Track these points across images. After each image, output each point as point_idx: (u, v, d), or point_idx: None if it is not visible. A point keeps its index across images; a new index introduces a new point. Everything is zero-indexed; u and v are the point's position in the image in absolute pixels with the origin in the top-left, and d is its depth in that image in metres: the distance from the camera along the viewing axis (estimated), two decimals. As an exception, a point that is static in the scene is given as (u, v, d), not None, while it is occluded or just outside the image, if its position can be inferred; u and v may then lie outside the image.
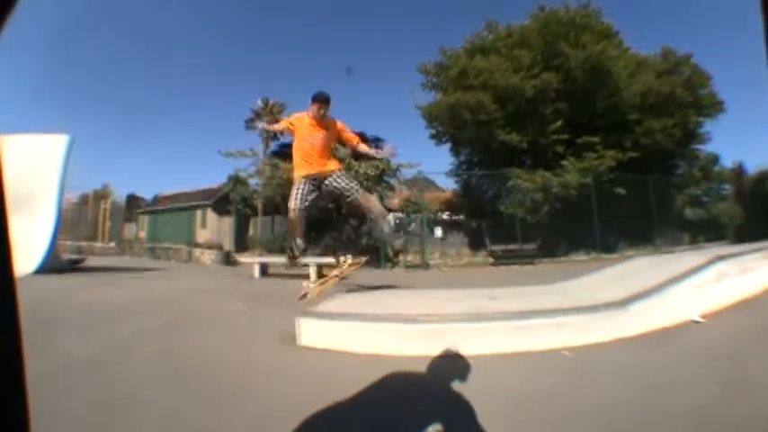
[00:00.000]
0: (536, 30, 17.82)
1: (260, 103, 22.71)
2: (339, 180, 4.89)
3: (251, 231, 22.01)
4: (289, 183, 16.99)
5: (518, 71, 16.54)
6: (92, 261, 13.01)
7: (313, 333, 3.50)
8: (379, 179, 16.17)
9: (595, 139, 16.79)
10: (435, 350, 3.01)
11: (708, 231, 21.41)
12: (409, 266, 14.82)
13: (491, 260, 15.58)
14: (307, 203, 4.81)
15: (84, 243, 21.15)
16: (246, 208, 21.53)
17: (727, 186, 23.73)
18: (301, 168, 4.85)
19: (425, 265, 15.03)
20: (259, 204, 20.51)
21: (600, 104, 17.52)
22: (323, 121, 4.87)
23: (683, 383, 2.49)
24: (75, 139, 10.46)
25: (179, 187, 28.23)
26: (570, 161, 16.32)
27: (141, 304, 5.52)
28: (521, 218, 15.93)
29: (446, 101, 16.88)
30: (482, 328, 3.30)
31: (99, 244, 22.39)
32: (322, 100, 4.79)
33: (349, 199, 4.90)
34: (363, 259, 7.44)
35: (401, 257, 16.78)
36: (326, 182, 4.86)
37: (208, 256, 18.22)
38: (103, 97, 47.28)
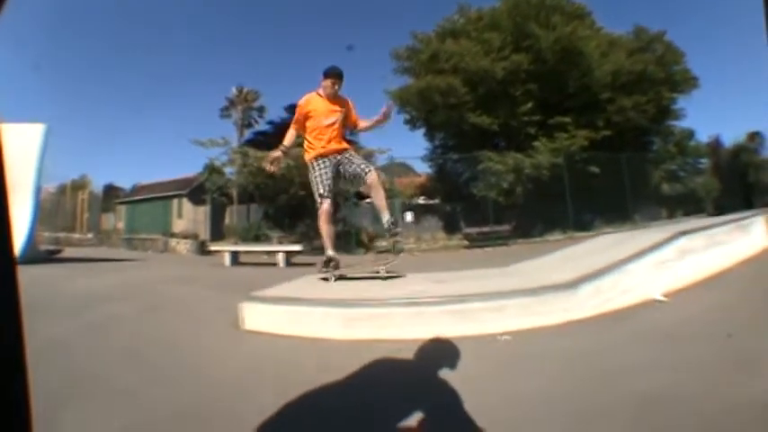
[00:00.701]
0: (506, 12, 17.68)
1: (234, 91, 22.38)
2: (353, 161, 4.40)
3: (227, 220, 21.85)
4: (260, 172, 16.92)
5: (488, 54, 16.42)
6: (69, 252, 12.89)
7: (256, 317, 3.52)
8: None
9: (567, 120, 16.83)
10: (373, 334, 3.09)
11: (686, 205, 21.68)
12: (380, 251, 14.82)
13: (465, 243, 15.61)
14: (331, 188, 4.26)
15: (62, 234, 20.87)
16: (222, 197, 21.35)
17: (703, 160, 23.98)
18: (311, 149, 4.34)
19: (397, 250, 15.02)
20: (234, 193, 20.34)
21: (572, 85, 17.53)
22: (336, 99, 4.44)
23: (635, 367, 2.31)
24: (52, 128, 10.44)
25: (160, 176, 27.96)
26: (542, 142, 16.35)
27: (112, 293, 5.52)
28: (494, 200, 15.96)
29: (417, 85, 16.75)
30: (419, 312, 3.18)
31: (77, 235, 22.12)
32: (335, 75, 4.40)
33: (362, 182, 4.36)
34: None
35: (376, 243, 16.87)
36: (340, 164, 4.34)
37: (183, 246, 18.08)
38: (83, 87, 46.30)
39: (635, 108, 18.30)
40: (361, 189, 4.61)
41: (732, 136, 28.09)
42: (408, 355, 2.56)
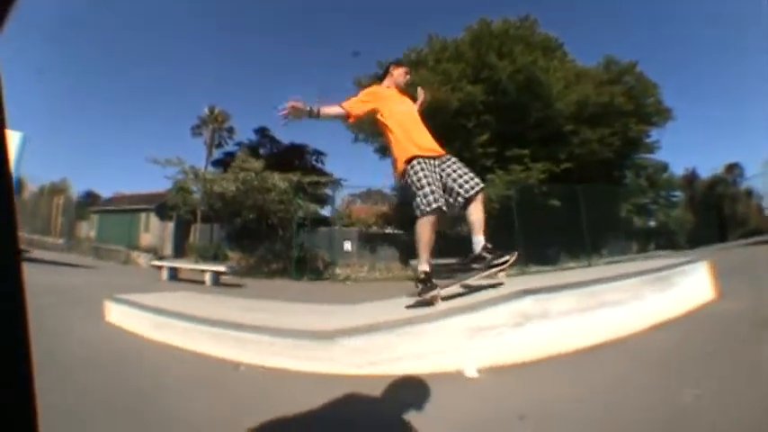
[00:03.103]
0: (469, 42, 17.52)
1: (206, 110, 22.35)
2: (459, 168, 3.48)
3: (191, 237, 21.78)
4: (214, 194, 16.86)
5: (446, 84, 16.23)
6: (36, 254, 13.04)
7: (117, 317, 4.31)
8: (296, 191, 15.84)
9: (524, 152, 16.56)
10: (189, 346, 3.46)
11: (658, 239, 21.38)
12: (312, 279, 14.61)
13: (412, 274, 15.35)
14: (446, 197, 3.36)
15: (36, 236, 20.91)
16: (189, 214, 21.32)
17: (677, 193, 23.67)
18: (409, 149, 3.43)
19: (334, 278, 14.95)
20: (198, 212, 20.31)
21: (533, 116, 17.27)
22: (405, 93, 3.76)
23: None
24: (30, 137, 10.35)
25: (141, 188, 27.90)
26: (498, 174, 16.07)
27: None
28: (443, 232, 15.69)
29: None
30: (218, 334, 3.43)
31: (50, 239, 22.14)
32: (407, 64, 3.83)
33: (468, 196, 3.39)
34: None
35: (330, 270, 16.73)
36: (442, 173, 3.46)
37: (143, 260, 18.24)
38: (77, 92, 46.88)
39: (599, 140, 18.01)
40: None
41: (710, 168, 27.94)
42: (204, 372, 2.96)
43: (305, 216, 16.34)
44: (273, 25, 45.80)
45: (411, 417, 2.00)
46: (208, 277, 10.66)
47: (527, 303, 3.00)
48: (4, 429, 0.60)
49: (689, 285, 3.71)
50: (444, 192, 3.35)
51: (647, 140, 21.38)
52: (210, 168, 22.42)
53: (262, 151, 21.62)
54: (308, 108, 3.24)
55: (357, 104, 3.51)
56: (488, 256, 3.29)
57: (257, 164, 16.38)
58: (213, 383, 2.76)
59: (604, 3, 33.97)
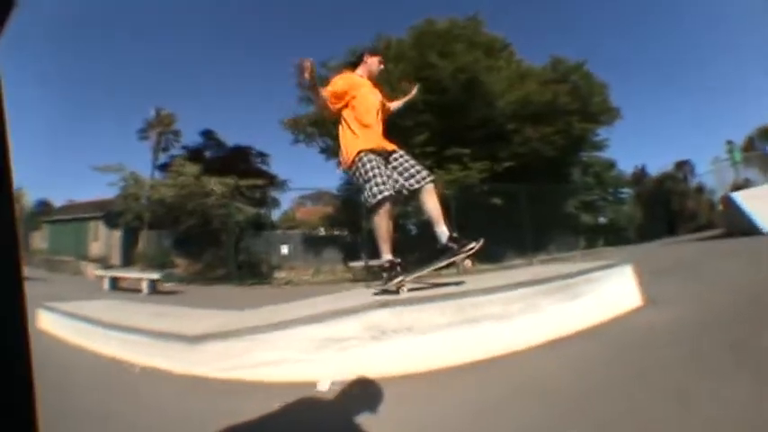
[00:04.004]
0: (412, 42, 17.55)
1: (153, 113, 21.98)
2: (406, 162, 3.49)
3: (140, 245, 21.38)
4: (154, 200, 16.57)
5: (386, 84, 16.20)
6: None
7: (46, 324, 4.69)
8: (234, 195, 15.64)
9: (465, 151, 16.58)
10: (101, 349, 3.75)
11: (607, 235, 21.63)
12: (253, 283, 14.43)
13: (351, 276, 15.27)
14: (392, 185, 3.32)
15: None
16: (136, 221, 20.93)
17: (625, 190, 24.04)
18: (360, 141, 3.38)
19: (271, 281, 14.77)
20: (145, 219, 19.96)
21: (474, 115, 17.32)
22: (376, 84, 3.66)
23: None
24: None
25: (94, 194, 27.15)
26: (437, 174, 16.05)
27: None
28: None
29: (311, 114, 16.50)
30: (123, 338, 3.63)
31: None
32: (381, 53, 3.77)
33: (413, 189, 3.41)
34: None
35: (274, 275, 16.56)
36: (391, 167, 3.46)
37: (91, 270, 17.91)
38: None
39: (542, 139, 18.13)
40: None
41: (661, 165, 28.54)
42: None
43: (244, 220, 16.16)
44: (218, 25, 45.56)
45: (251, 426, 2.06)
46: (144, 285, 10.78)
47: (383, 316, 2.84)
48: (4, 429, 0.61)
49: (602, 294, 3.32)
50: (395, 186, 3.34)
51: (596, 139, 21.75)
52: (157, 173, 22.05)
53: (207, 154, 21.30)
54: (315, 79, 3.12)
55: (332, 94, 3.39)
56: (454, 245, 3.28)
57: (193, 168, 16.14)
58: (107, 382, 3.10)
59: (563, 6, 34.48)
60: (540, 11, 35.98)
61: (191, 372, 2.96)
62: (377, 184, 3.21)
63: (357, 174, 3.35)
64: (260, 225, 16.71)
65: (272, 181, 18.88)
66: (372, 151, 3.35)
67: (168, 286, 12.29)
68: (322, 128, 17.70)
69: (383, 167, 3.33)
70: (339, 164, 3.70)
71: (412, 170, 3.43)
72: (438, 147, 16.55)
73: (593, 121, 20.45)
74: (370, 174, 3.25)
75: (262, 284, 14.66)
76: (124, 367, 3.29)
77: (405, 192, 3.39)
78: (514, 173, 17.32)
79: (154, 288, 10.94)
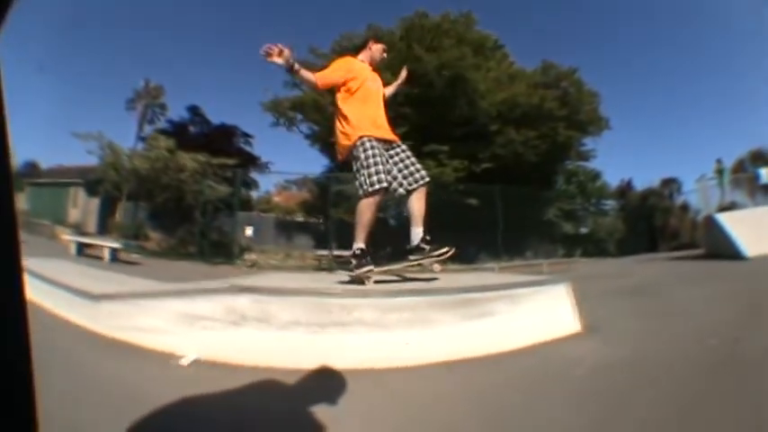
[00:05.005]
0: (401, 34, 17.42)
1: (142, 83, 21.85)
2: (407, 158, 3.46)
3: (117, 216, 21.33)
4: (129, 171, 16.52)
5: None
6: None
7: None
8: (206, 171, 15.55)
9: (443, 148, 16.44)
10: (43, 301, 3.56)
11: (587, 245, 21.53)
12: (218, 262, 14.41)
13: (316, 264, 15.26)
14: (390, 179, 3.27)
15: None
16: (116, 191, 20.87)
17: (609, 202, 23.94)
18: (363, 126, 3.31)
19: (242, 263, 14.78)
20: (123, 189, 19.90)
21: (457, 113, 17.19)
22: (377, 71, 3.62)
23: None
24: None
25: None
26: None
27: None
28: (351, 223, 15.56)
29: (292, 99, 16.39)
30: (38, 286, 3.64)
31: None
32: (384, 40, 3.73)
33: (411, 188, 3.38)
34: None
35: (246, 256, 16.54)
36: (390, 159, 3.39)
37: (65, 236, 17.96)
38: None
39: (524, 143, 17.99)
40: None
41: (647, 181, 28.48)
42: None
43: (216, 199, 16.08)
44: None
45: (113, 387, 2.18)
46: (106, 253, 10.99)
47: (243, 302, 2.79)
48: (5, 429, 0.60)
49: (522, 316, 2.86)
50: (392, 181, 3.29)
51: (583, 149, 21.62)
52: (141, 145, 21.97)
53: (192, 129, 21.23)
54: (292, 61, 3.05)
55: (327, 76, 3.37)
56: (426, 247, 3.29)
57: (167, 142, 16.08)
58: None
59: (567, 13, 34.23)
60: (546, 18, 35.57)
61: (87, 325, 3.13)
62: (377, 173, 3.15)
63: (356, 158, 3.27)
64: (230, 205, 16.63)
65: (251, 162, 18.80)
66: (375, 138, 3.30)
67: (135, 258, 12.61)
68: (307, 113, 17.58)
69: (384, 157, 3.28)
70: (337, 149, 3.56)
71: (412, 168, 3.41)
72: (416, 141, 16.41)
73: (580, 130, 20.28)
74: (371, 161, 3.18)
75: (227, 264, 14.67)
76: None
77: (401, 190, 3.36)
78: (495, 175, 17.18)
79: (115, 257, 11.10)
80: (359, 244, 3.24)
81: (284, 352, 2.50)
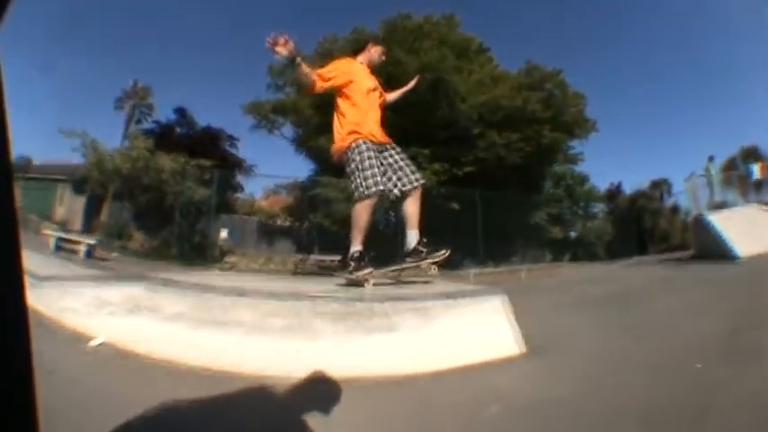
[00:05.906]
0: (382, 35, 17.24)
1: (131, 83, 21.87)
2: (402, 160, 3.51)
3: (102, 215, 21.39)
4: (109, 171, 16.52)
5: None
6: None
7: None
8: (185, 173, 15.53)
9: (424, 151, 16.31)
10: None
11: (576, 249, 21.44)
12: (192, 264, 14.43)
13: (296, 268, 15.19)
14: (385, 182, 3.30)
15: None
16: (102, 190, 20.92)
17: (598, 205, 23.80)
18: (357, 128, 3.33)
19: (221, 266, 14.82)
20: (109, 188, 19.94)
21: (438, 116, 17.06)
22: (375, 73, 3.61)
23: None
24: None
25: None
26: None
27: None
28: (333, 229, 15.53)
29: (272, 102, 16.31)
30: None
31: None
32: (383, 42, 3.78)
33: (405, 189, 3.40)
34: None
35: (227, 259, 16.61)
36: (384, 161, 3.42)
37: (49, 232, 18.10)
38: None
39: (507, 146, 17.81)
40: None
41: (636, 183, 28.34)
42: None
43: (196, 201, 16.07)
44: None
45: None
46: (82, 249, 11.30)
47: (138, 291, 2.96)
48: (4, 429, 0.60)
49: (440, 332, 2.44)
50: (387, 184, 3.34)
51: (571, 152, 21.38)
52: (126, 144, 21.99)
53: (178, 131, 21.21)
54: (295, 53, 3.05)
55: (327, 75, 3.35)
56: (423, 250, 3.36)
57: (147, 142, 16.11)
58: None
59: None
60: (532, 20, 35.47)
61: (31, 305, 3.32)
62: (373, 176, 3.17)
63: (349, 161, 3.29)
64: (209, 207, 16.64)
65: (237, 164, 18.74)
66: (370, 141, 3.32)
67: (113, 256, 12.90)
68: (290, 116, 17.49)
69: (379, 160, 3.31)
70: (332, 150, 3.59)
71: (406, 169, 3.47)
72: (397, 144, 16.30)
73: (566, 132, 20.01)
74: (366, 164, 3.21)
75: (204, 267, 14.68)
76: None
77: (396, 192, 3.41)
78: (479, 179, 17.09)
79: (90, 254, 11.28)
80: (356, 247, 3.27)
81: (171, 344, 2.47)
